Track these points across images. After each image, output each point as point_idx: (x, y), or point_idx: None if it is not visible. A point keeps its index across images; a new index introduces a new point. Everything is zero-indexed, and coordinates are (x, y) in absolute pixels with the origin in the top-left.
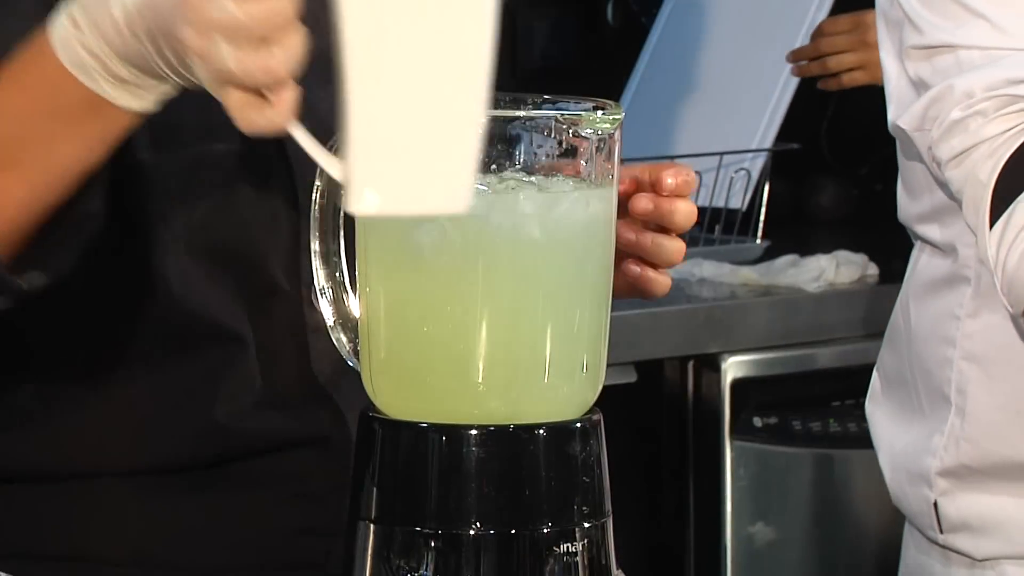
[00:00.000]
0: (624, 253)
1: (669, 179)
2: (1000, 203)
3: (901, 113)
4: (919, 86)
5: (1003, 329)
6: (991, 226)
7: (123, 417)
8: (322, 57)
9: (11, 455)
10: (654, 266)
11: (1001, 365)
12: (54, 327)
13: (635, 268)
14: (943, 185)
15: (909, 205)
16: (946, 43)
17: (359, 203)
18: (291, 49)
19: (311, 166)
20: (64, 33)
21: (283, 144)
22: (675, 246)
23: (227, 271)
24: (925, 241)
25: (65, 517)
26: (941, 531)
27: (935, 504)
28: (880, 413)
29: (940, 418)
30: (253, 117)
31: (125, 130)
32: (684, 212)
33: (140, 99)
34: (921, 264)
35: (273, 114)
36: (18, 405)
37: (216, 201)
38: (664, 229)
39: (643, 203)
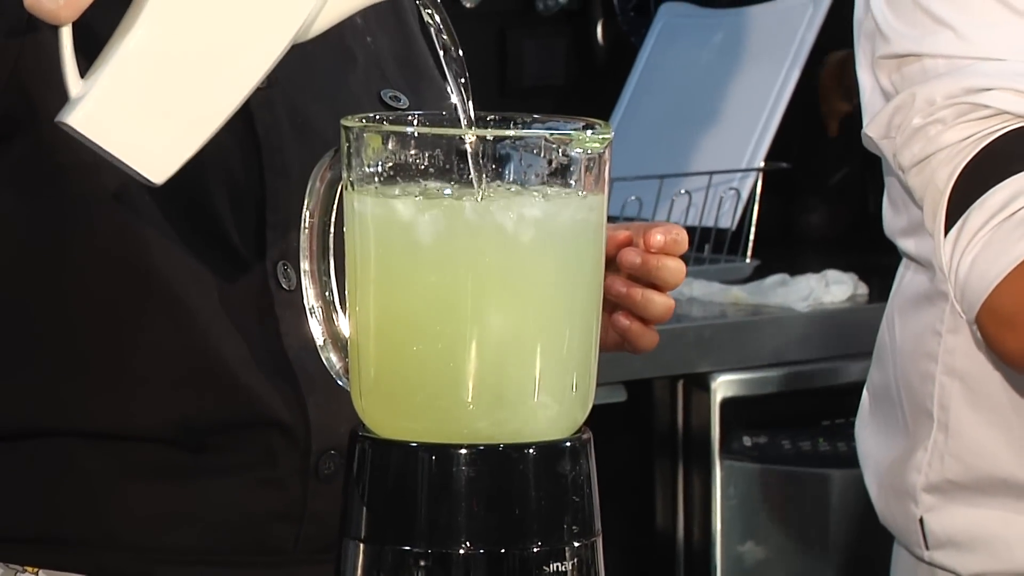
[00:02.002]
0: (614, 305)
1: (658, 236)
2: (956, 210)
3: (869, 121)
4: (888, 95)
5: (983, 344)
6: (946, 233)
7: (82, 375)
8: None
9: None
10: (643, 320)
11: (982, 380)
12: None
13: (624, 321)
14: (911, 192)
15: (892, 219)
16: (913, 52)
17: (74, 117)
18: None
19: (280, 146)
20: None
21: (252, 120)
22: (664, 302)
23: (190, 240)
24: (907, 256)
25: (34, 494)
26: (927, 547)
27: (920, 520)
28: (867, 431)
29: (924, 434)
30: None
31: None
32: (671, 269)
33: None
34: (906, 280)
35: (61, 5)
36: None
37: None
38: (655, 285)
39: (631, 257)
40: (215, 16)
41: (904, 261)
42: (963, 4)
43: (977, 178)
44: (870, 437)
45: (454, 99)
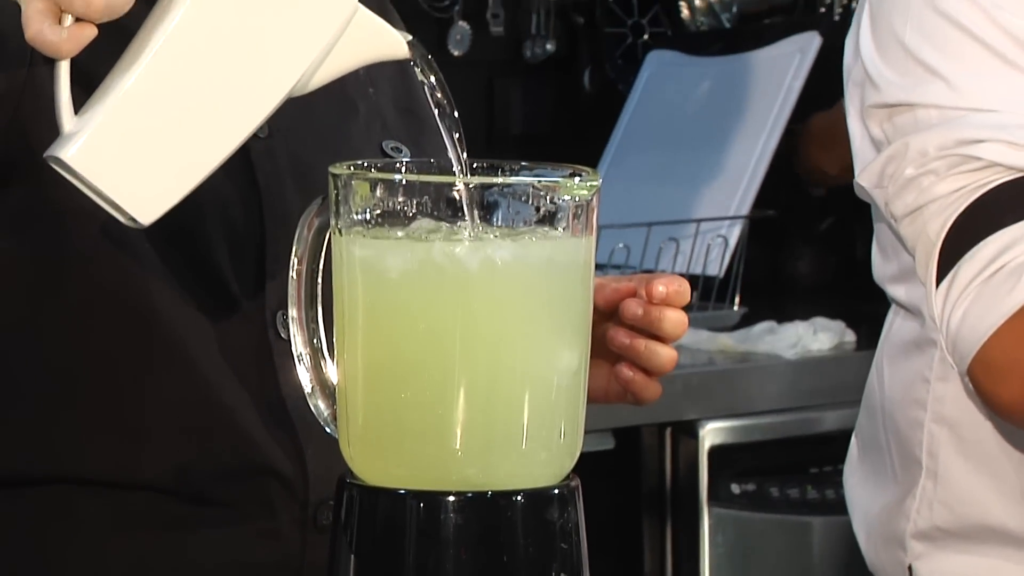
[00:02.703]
0: (617, 357)
1: (660, 287)
2: (947, 261)
3: (861, 171)
4: (879, 144)
5: (974, 395)
6: (937, 284)
7: (80, 422)
8: None
9: None
10: (646, 372)
11: (971, 428)
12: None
13: (627, 373)
14: (903, 242)
15: (882, 266)
16: (904, 101)
17: (65, 152)
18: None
19: (281, 196)
20: None
21: (253, 170)
22: (667, 353)
23: (191, 288)
24: (897, 303)
25: (28, 542)
26: None
27: (910, 568)
28: (856, 478)
29: (912, 481)
30: (44, 29)
31: None
32: (673, 320)
33: None
34: (895, 327)
35: (64, 39)
36: None
37: (182, 220)
38: (658, 336)
39: (633, 308)
40: (215, 64)
41: (893, 308)
42: (955, 53)
43: (969, 230)
44: (858, 484)
45: (449, 154)
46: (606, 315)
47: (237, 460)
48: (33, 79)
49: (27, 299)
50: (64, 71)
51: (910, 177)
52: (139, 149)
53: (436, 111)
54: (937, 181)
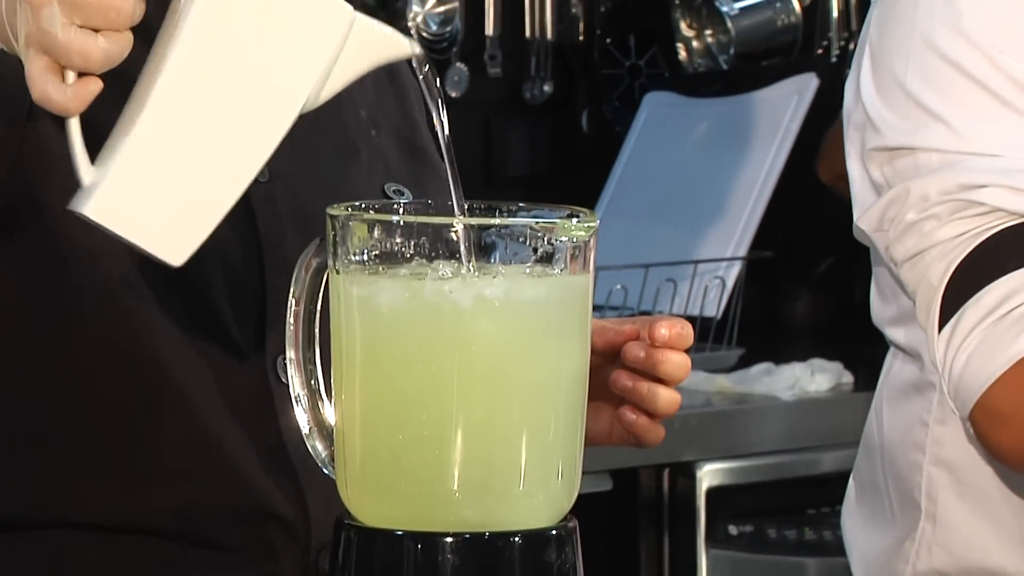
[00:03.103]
0: (620, 399)
1: (663, 330)
2: (950, 307)
3: (861, 214)
4: (879, 188)
5: (971, 435)
6: (940, 329)
7: (81, 465)
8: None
9: None
10: (649, 415)
11: (970, 470)
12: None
13: (630, 415)
14: (903, 286)
15: (881, 309)
16: (905, 145)
17: (89, 206)
18: (115, 48)
19: (281, 241)
20: None
21: (253, 215)
22: (670, 396)
23: (192, 333)
24: (896, 346)
25: None
26: None
27: None
28: (853, 521)
29: (912, 523)
30: (49, 89)
31: None
32: (675, 363)
33: None
34: (894, 369)
35: (69, 97)
36: None
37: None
38: (660, 379)
39: (634, 351)
40: (220, 95)
41: (892, 351)
42: (957, 98)
43: (972, 275)
44: (857, 526)
45: (452, 191)
46: (608, 358)
47: (238, 504)
48: (35, 126)
49: (28, 345)
50: (75, 127)
51: (911, 222)
52: (159, 190)
53: (444, 150)
54: (939, 226)
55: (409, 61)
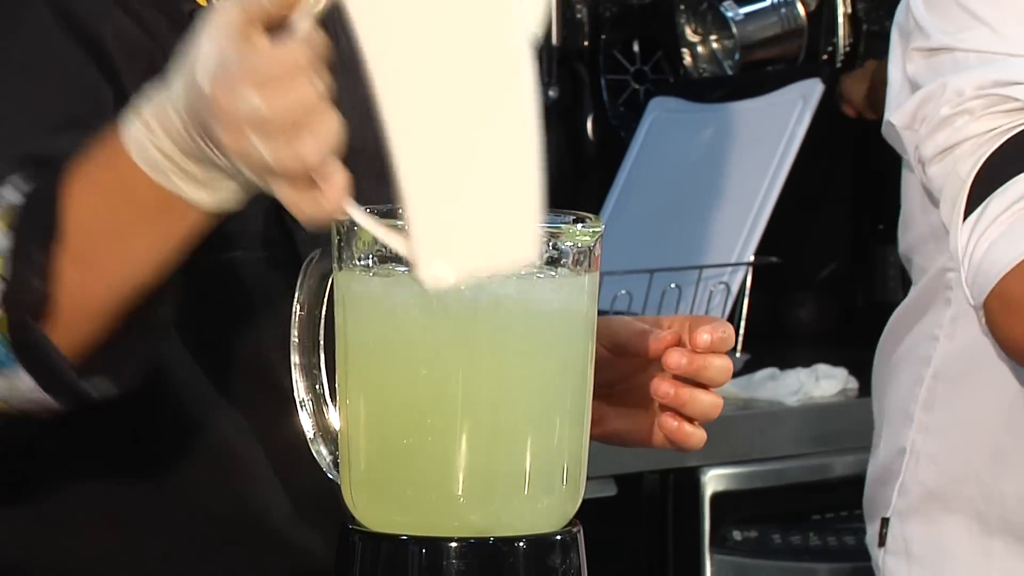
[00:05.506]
0: (661, 406)
1: (705, 335)
2: (976, 199)
3: (895, 110)
4: (915, 85)
5: (976, 350)
6: (964, 219)
7: (124, 527)
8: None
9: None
10: (690, 420)
11: (971, 385)
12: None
13: (672, 422)
14: (929, 184)
15: (904, 236)
16: (947, 45)
17: (431, 278)
18: (324, 135)
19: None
20: (137, 135)
21: (298, 253)
22: (712, 400)
23: (236, 383)
24: (918, 270)
25: None
26: (881, 544)
27: (885, 521)
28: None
29: (901, 441)
30: (304, 207)
31: (199, 227)
32: (717, 368)
33: (212, 195)
34: (912, 295)
35: (324, 200)
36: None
37: (228, 313)
38: (701, 383)
39: (676, 358)
40: (450, 98)
41: (912, 286)
42: (1002, 2)
43: (1000, 168)
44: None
45: None
46: (646, 362)
47: (283, 564)
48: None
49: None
50: (360, 214)
51: (944, 116)
52: (468, 220)
53: None
54: (971, 121)
55: None
